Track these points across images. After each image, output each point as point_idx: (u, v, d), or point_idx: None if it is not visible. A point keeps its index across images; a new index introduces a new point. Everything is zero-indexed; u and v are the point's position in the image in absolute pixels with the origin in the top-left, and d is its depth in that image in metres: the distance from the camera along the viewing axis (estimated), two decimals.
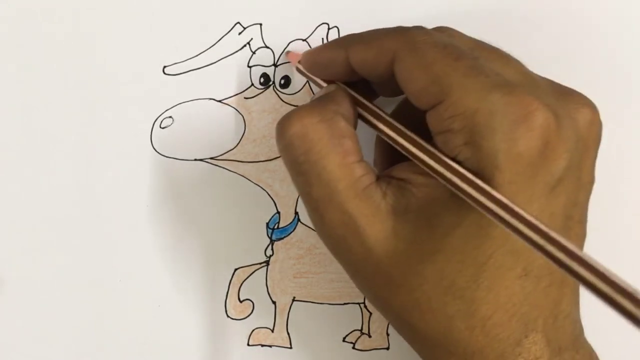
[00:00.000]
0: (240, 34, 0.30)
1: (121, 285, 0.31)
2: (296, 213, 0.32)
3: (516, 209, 0.21)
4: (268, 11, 0.30)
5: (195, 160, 0.30)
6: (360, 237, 0.24)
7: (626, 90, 0.33)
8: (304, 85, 0.31)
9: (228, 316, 0.32)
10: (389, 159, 0.28)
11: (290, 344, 0.32)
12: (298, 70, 0.29)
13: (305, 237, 0.32)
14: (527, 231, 0.21)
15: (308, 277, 0.32)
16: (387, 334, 0.33)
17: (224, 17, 0.30)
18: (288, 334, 0.32)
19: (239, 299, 0.32)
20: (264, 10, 0.30)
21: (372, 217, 0.24)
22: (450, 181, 0.23)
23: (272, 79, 0.30)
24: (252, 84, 0.30)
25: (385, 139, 0.25)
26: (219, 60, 0.30)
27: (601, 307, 0.19)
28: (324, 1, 0.30)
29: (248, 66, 0.30)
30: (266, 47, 0.30)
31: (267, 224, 0.31)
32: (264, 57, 0.30)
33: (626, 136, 0.33)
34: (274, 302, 0.32)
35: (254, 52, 0.30)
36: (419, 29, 0.25)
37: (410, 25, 0.26)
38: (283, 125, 0.25)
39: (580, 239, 0.26)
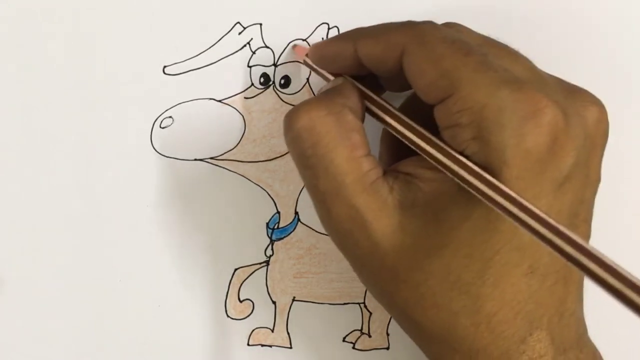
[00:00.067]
0: (240, 34, 0.30)
1: (121, 285, 0.31)
2: (296, 213, 0.32)
3: (525, 202, 0.21)
4: (268, 11, 0.30)
5: (195, 160, 0.30)
6: (366, 231, 0.24)
7: (626, 90, 0.33)
8: (304, 85, 0.31)
9: (228, 316, 0.32)
10: (395, 153, 0.28)
11: (290, 344, 0.32)
12: (305, 63, 0.29)
13: (305, 237, 0.32)
14: (536, 225, 0.21)
15: (308, 277, 0.32)
16: (387, 334, 0.33)
17: (224, 17, 0.30)
18: (288, 334, 0.32)
19: (239, 299, 0.32)
20: (264, 10, 0.30)
21: (379, 211, 0.24)
22: (459, 175, 0.23)
23: (272, 79, 0.30)
24: (252, 84, 0.30)
25: (393, 132, 0.25)
26: (219, 60, 0.30)
27: (605, 306, 0.19)
28: (324, 1, 0.30)
29: (248, 66, 0.30)
30: (266, 47, 0.30)
31: (267, 224, 0.31)
32: (264, 57, 0.30)
33: (626, 136, 0.33)
34: (274, 302, 0.32)
35: (254, 52, 0.30)
36: (428, 23, 0.25)
37: None
38: (291, 118, 0.25)
39: (586, 236, 0.26)
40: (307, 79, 0.31)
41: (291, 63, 0.30)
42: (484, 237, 0.23)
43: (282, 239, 0.32)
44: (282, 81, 0.30)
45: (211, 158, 0.31)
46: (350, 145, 0.24)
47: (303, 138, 0.24)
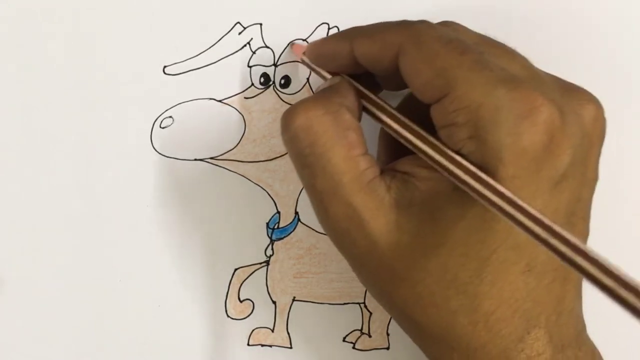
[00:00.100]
0: (240, 34, 0.30)
1: (121, 285, 0.31)
2: (296, 213, 0.32)
3: (520, 202, 0.21)
4: (268, 11, 0.30)
5: (195, 160, 0.30)
6: (364, 230, 0.24)
7: (626, 90, 0.33)
8: (304, 85, 0.31)
9: (228, 316, 0.32)
10: (392, 152, 0.28)
11: (290, 344, 0.32)
12: (302, 62, 0.29)
13: (305, 237, 0.32)
14: (531, 225, 0.20)
15: (308, 277, 0.32)
16: (387, 334, 0.33)
17: (224, 17, 0.30)
18: (288, 334, 0.32)
19: (239, 299, 0.32)
20: (264, 10, 0.30)
21: (376, 210, 0.24)
22: (454, 174, 0.23)
23: (272, 79, 0.30)
24: (252, 84, 0.30)
25: (390, 131, 0.25)
26: (219, 60, 0.30)
27: (603, 304, 0.19)
28: (324, 1, 0.30)
29: (248, 66, 0.30)
30: (266, 47, 0.30)
31: (267, 224, 0.31)
32: (264, 57, 0.30)
33: (626, 136, 0.33)
34: (274, 302, 0.32)
35: (254, 52, 0.30)
36: (424, 22, 0.25)
37: None
38: (288, 118, 0.25)
39: (583, 235, 0.26)
40: (307, 79, 0.31)
41: (291, 63, 0.30)
42: (481, 236, 0.23)
43: (282, 239, 0.32)
44: (282, 81, 0.30)
45: (211, 158, 0.31)
46: (347, 144, 0.24)
47: (300, 137, 0.24)
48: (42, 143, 0.29)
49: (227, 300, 0.31)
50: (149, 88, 0.29)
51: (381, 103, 0.26)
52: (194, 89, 0.30)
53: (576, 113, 0.24)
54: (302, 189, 0.31)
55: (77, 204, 0.30)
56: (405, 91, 0.29)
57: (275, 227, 0.32)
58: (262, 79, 0.30)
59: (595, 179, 0.26)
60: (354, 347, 0.33)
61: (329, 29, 0.30)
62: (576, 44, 0.32)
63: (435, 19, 0.26)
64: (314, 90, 0.31)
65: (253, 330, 0.32)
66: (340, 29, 0.30)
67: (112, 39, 0.29)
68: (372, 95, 0.26)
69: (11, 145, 0.29)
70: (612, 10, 0.33)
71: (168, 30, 0.29)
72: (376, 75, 0.27)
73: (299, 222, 0.32)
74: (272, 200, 0.31)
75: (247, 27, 0.30)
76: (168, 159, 0.30)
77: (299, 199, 0.32)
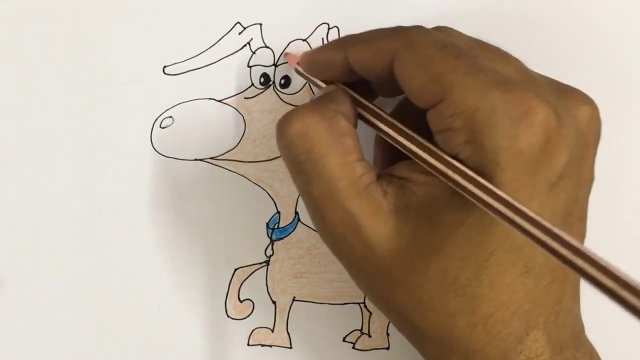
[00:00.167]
0: (240, 34, 0.30)
1: (121, 285, 0.31)
2: (296, 213, 0.32)
3: (518, 205, 0.21)
4: (268, 11, 0.30)
5: (195, 160, 0.30)
6: (361, 236, 0.24)
7: (626, 90, 0.33)
8: (304, 85, 0.31)
9: (228, 316, 0.32)
10: (389, 158, 0.28)
11: (290, 344, 0.32)
12: (297, 71, 0.29)
13: (305, 237, 0.32)
14: (529, 227, 0.21)
15: (308, 277, 0.32)
16: (387, 334, 0.33)
17: (224, 17, 0.30)
18: (288, 334, 0.32)
19: (239, 299, 0.32)
20: (264, 10, 0.30)
21: (373, 215, 0.24)
22: (452, 179, 0.23)
23: (272, 79, 0.30)
24: (252, 84, 0.30)
25: (386, 138, 0.25)
26: (219, 60, 0.30)
27: (601, 305, 0.19)
28: (324, 1, 0.30)
29: (248, 66, 0.30)
30: (266, 47, 0.30)
31: (267, 224, 0.31)
32: (264, 57, 0.30)
33: (626, 136, 0.33)
34: (274, 302, 0.32)
35: (254, 52, 0.30)
36: (417, 28, 0.25)
37: (410, 25, 0.26)
38: (283, 125, 0.25)
39: (581, 236, 0.26)
40: None
41: (289, 65, 0.30)
42: (479, 239, 0.23)
43: (282, 239, 0.32)
44: (282, 81, 0.30)
45: (211, 158, 0.31)
46: (343, 150, 0.24)
47: (296, 144, 0.24)
48: (42, 143, 0.29)
49: (227, 300, 0.31)
50: (149, 88, 0.29)
51: (377, 110, 0.26)
52: (194, 89, 0.30)
53: (571, 114, 0.24)
54: None
55: (77, 204, 0.30)
56: (400, 97, 0.29)
57: (275, 227, 0.32)
58: (262, 79, 0.30)
59: (591, 179, 0.26)
60: (353, 347, 0.33)
61: (328, 29, 0.30)
62: (576, 44, 0.32)
63: (434, 20, 0.26)
64: (313, 90, 0.31)
65: (253, 330, 0.32)
66: (340, 29, 0.30)
67: (112, 39, 0.29)
68: (367, 103, 0.26)
69: (11, 145, 0.29)
70: (612, 10, 0.33)
71: (168, 30, 0.29)
72: (371, 83, 0.27)
73: (299, 222, 0.32)
74: (272, 200, 0.31)
75: (247, 27, 0.30)
76: (168, 159, 0.30)
77: (298, 199, 0.32)
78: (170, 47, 0.29)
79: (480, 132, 0.22)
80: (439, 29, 0.26)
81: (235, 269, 0.31)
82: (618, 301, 0.18)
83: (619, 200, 0.33)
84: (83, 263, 0.30)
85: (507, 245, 0.24)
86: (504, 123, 0.22)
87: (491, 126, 0.22)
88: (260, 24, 0.30)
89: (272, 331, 0.32)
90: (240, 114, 0.30)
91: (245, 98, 0.30)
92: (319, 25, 0.30)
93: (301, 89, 0.31)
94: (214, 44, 0.30)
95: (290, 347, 0.32)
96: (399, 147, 0.25)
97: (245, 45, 0.30)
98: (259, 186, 0.31)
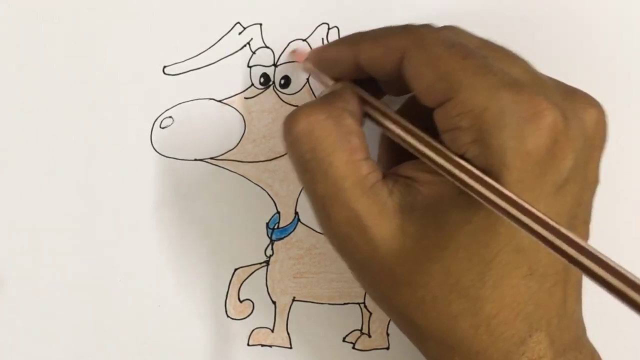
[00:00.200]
0: (240, 34, 0.30)
1: (121, 285, 0.31)
2: (296, 213, 0.32)
3: (525, 205, 0.21)
4: (268, 11, 0.30)
5: (195, 160, 0.30)
6: (366, 235, 0.24)
7: (626, 90, 0.33)
8: (304, 85, 0.31)
9: (228, 316, 0.32)
10: (394, 157, 0.28)
11: (290, 344, 0.32)
12: (305, 68, 0.29)
13: (305, 237, 0.32)
14: (537, 227, 0.21)
15: (308, 277, 0.32)
16: (387, 334, 0.33)
17: (224, 17, 0.30)
18: (288, 334, 0.32)
19: (239, 299, 0.32)
20: (264, 10, 0.30)
21: (379, 215, 0.24)
22: (459, 178, 0.23)
23: (272, 79, 0.30)
24: (252, 84, 0.30)
25: (393, 137, 0.25)
26: (219, 60, 0.30)
27: (603, 306, 0.19)
28: (324, 1, 0.30)
29: (248, 66, 0.30)
30: (266, 47, 0.30)
31: (267, 224, 0.31)
32: (264, 57, 0.30)
33: (626, 136, 0.33)
34: (274, 302, 0.32)
35: (254, 52, 0.30)
36: (427, 26, 0.25)
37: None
38: (290, 122, 0.25)
39: (585, 238, 0.26)
40: (307, 79, 0.31)
41: (291, 63, 0.30)
42: (484, 240, 0.23)
43: (282, 239, 0.32)
44: (282, 81, 0.30)
45: (211, 158, 0.31)
46: (349, 148, 0.24)
47: (302, 142, 0.24)
48: (42, 143, 0.29)
49: (227, 301, 0.31)
50: (149, 88, 0.29)
51: (384, 108, 0.26)
52: (194, 89, 0.30)
53: (579, 117, 0.24)
54: (302, 190, 0.31)
55: (77, 204, 0.30)
56: (407, 95, 0.28)
57: (275, 227, 0.32)
58: (262, 79, 0.30)
59: (596, 182, 0.26)
60: (353, 347, 0.33)
61: (329, 29, 0.30)
62: (576, 44, 0.32)
63: (435, 20, 0.26)
64: (313, 90, 0.31)
65: (253, 331, 0.32)
66: (340, 29, 0.30)
67: (112, 39, 0.29)
68: (374, 101, 0.26)
69: (11, 145, 0.29)
70: (612, 10, 0.33)
71: (168, 30, 0.29)
72: (379, 80, 0.27)
73: (299, 222, 0.32)
74: (272, 200, 0.31)
75: (247, 27, 0.30)
76: (168, 159, 0.30)
77: (298, 199, 0.32)
78: (170, 47, 0.29)
79: (488, 132, 0.22)
80: (447, 28, 0.26)
81: (235, 269, 0.31)
82: (625, 300, 0.18)
83: (619, 200, 0.33)
84: (83, 263, 0.30)
85: (512, 247, 0.23)
86: (512, 124, 0.22)
87: (499, 126, 0.22)
88: (260, 24, 0.30)
89: (272, 331, 0.32)
90: (240, 114, 0.30)
91: (245, 98, 0.30)
92: (319, 25, 0.30)
93: (301, 89, 0.31)
94: (214, 44, 0.30)
95: (290, 347, 0.32)
96: (405, 146, 0.25)
97: (245, 45, 0.30)
98: (259, 186, 0.31)
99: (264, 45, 0.30)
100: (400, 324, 0.26)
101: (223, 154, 0.31)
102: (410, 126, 0.25)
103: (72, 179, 0.30)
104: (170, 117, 0.30)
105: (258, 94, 0.30)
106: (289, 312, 0.32)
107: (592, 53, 0.32)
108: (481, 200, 0.22)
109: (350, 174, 0.24)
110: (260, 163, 0.31)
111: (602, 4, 0.32)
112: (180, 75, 0.30)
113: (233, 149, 0.31)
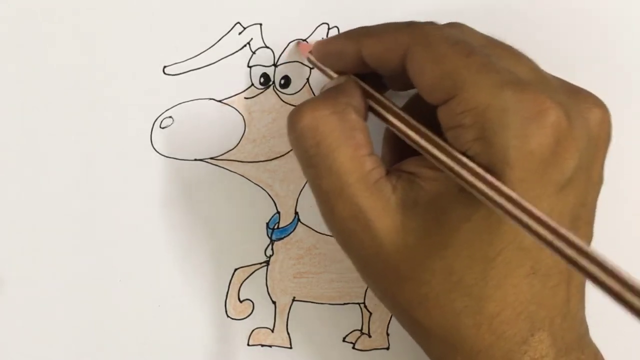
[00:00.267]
0: (240, 34, 0.30)
1: (121, 285, 0.31)
2: (296, 213, 0.32)
3: (526, 204, 0.21)
4: (268, 11, 0.30)
5: (195, 160, 0.30)
6: (370, 231, 0.24)
7: (626, 90, 0.33)
8: (304, 85, 0.31)
9: (228, 316, 0.32)
10: (398, 153, 0.28)
11: (290, 344, 0.32)
12: (309, 60, 0.29)
13: (305, 237, 0.32)
14: (537, 227, 0.20)
15: (308, 277, 0.32)
16: (387, 334, 0.33)
17: (224, 17, 0.30)
18: (288, 334, 0.32)
19: (239, 299, 0.32)
20: (264, 10, 0.30)
21: (382, 210, 0.24)
22: (461, 176, 0.23)
23: (272, 79, 0.30)
24: (252, 84, 0.30)
25: (396, 132, 0.25)
26: (219, 60, 0.30)
27: (606, 307, 0.19)
28: (324, 1, 0.30)
29: (248, 66, 0.30)
30: (266, 47, 0.30)
31: (267, 224, 0.31)
32: (264, 57, 0.30)
33: (626, 136, 0.33)
34: (274, 302, 0.32)
35: (254, 52, 0.30)
36: (431, 24, 0.25)
37: None
38: (294, 118, 0.25)
39: (587, 239, 0.26)
40: (307, 79, 0.31)
41: (291, 63, 0.30)
42: (486, 238, 0.23)
43: (282, 239, 0.32)
44: (282, 81, 0.30)
45: (211, 158, 0.31)
46: (353, 144, 0.24)
47: (306, 137, 0.24)
48: (42, 143, 0.29)
49: (227, 301, 0.31)
50: (149, 88, 0.29)
51: (388, 103, 0.26)
52: (194, 89, 0.30)
53: (583, 116, 0.24)
54: (302, 189, 0.31)
55: (77, 204, 0.30)
56: (412, 91, 0.28)
57: (275, 227, 0.32)
58: (262, 79, 0.30)
59: (600, 182, 0.26)
60: (353, 347, 0.33)
61: (329, 29, 0.30)
62: (576, 44, 0.32)
63: (435, 19, 0.26)
64: (314, 90, 0.31)
65: (253, 331, 0.32)
66: (340, 29, 0.30)
67: (112, 39, 0.29)
68: (378, 95, 0.26)
69: (11, 145, 0.29)
70: (612, 10, 0.33)
71: (168, 30, 0.29)
72: (382, 75, 0.27)
73: (299, 222, 0.32)
74: (272, 200, 0.31)
75: (247, 27, 0.30)
76: (168, 159, 0.30)
77: (298, 199, 0.32)
78: (170, 47, 0.29)
79: (491, 130, 0.22)
80: (451, 25, 0.26)
81: (235, 269, 0.31)
82: (623, 304, 0.18)
83: (619, 200, 0.33)
84: (83, 263, 0.30)
85: (515, 246, 0.23)
86: (515, 122, 0.22)
87: (502, 125, 0.22)
88: (260, 24, 0.30)
89: (272, 331, 0.32)
90: (240, 114, 0.30)
91: (245, 98, 0.30)
92: (319, 25, 0.30)
93: (301, 89, 0.31)
94: (214, 44, 0.30)
95: (290, 347, 0.32)
96: (408, 142, 0.25)
97: (245, 45, 0.30)
98: (259, 186, 0.31)
99: (264, 45, 0.30)
100: (403, 322, 0.26)
101: (223, 154, 0.31)
102: (413, 122, 0.25)
103: (72, 179, 0.30)
104: (170, 117, 0.30)
105: (258, 94, 0.30)
106: (289, 312, 0.32)
107: (592, 53, 0.32)
108: (481, 198, 0.22)
109: (354, 169, 0.24)
110: (260, 163, 0.31)
111: (602, 4, 0.32)
112: (180, 75, 0.30)
113: (233, 149, 0.31)
